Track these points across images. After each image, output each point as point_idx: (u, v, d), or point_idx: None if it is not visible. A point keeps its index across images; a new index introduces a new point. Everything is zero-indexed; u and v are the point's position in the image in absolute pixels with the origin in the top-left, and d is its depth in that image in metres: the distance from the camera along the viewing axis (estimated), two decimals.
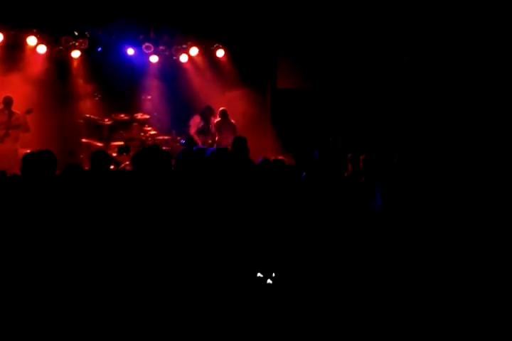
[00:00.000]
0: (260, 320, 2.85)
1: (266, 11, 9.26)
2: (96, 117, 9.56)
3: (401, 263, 3.17)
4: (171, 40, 9.84)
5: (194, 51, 9.84)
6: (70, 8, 8.96)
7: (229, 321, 2.82)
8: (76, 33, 9.41)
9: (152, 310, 2.82)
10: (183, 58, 9.93)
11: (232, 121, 8.99)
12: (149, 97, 9.90)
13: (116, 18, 9.25)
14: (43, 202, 3.44)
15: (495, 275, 3.10)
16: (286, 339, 2.83)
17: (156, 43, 9.75)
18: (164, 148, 9.32)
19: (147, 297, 2.89)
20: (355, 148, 5.89)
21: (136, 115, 9.62)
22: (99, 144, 9.30)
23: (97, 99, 9.76)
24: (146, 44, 9.64)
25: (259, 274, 3.02)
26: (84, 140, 9.37)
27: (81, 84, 9.76)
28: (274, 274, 3.03)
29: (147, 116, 9.67)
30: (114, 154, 8.89)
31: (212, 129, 8.93)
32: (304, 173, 4.22)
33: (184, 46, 9.87)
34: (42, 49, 9.28)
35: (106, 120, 9.60)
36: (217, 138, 8.90)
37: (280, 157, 6.40)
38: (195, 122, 8.98)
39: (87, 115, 9.54)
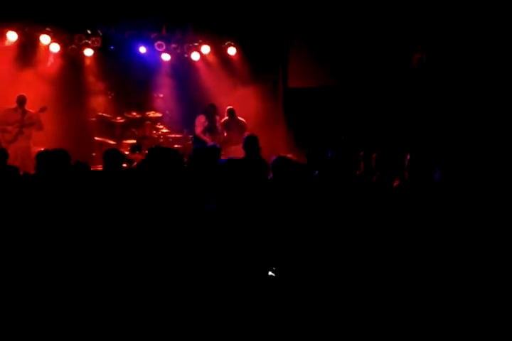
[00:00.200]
0: (267, 319, 2.85)
1: (277, 9, 9.24)
2: (108, 115, 9.62)
3: (414, 263, 3.15)
4: (183, 38, 9.85)
5: (206, 49, 9.85)
6: (83, 7, 9.00)
7: (234, 319, 2.82)
8: (89, 32, 9.46)
9: (158, 308, 2.82)
10: (195, 56, 9.95)
11: (241, 118, 8.96)
12: (161, 95, 9.93)
13: (128, 16, 9.28)
14: (56, 200, 3.46)
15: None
16: (290, 338, 2.82)
17: (168, 41, 9.77)
18: (176, 146, 9.36)
19: (160, 295, 2.90)
20: (368, 146, 5.86)
21: (148, 113, 9.66)
22: (112, 142, 9.35)
23: (109, 97, 9.82)
24: (158, 42, 9.67)
25: (272, 273, 3.02)
26: (96, 138, 9.43)
27: (94, 82, 9.82)
28: (286, 273, 3.03)
29: (159, 115, 9.70)
30: (127, 152, 8.93)
31: (219, 128, 8.93)
32: (317, 172, 4.21)
33: (196, 44, 9.89)
34: (55, 47, 9.35)
35: (118, 118, 9.66)
36: (225, 136, 8.88)
37: (289, 155, 6.39)
38: (201, 121, 8.99)
39: (100, 113, 9.61)
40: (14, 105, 8.31)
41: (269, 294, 2.93)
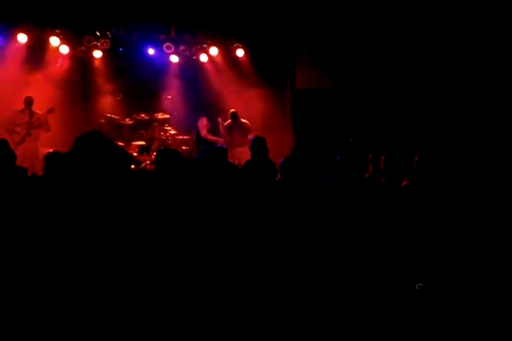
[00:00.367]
0: (268, 319, 2.84)
1: (286, 10, 9.24)
2: (117, 117, 9.66)
3: (424, 264, 3.13)
4: (192, 40, 9.88)
5: (214, 51, 9.87)
6: (92, 9, 9.05)
7: (236, 320, 2.81)
8: (98, 33, 9.51)
9: (160, 310, 2.82)
10: (203, 58, 9.97)
11: (244, 120, 8.97)
12: (169, 97, 9.95)
13: (137, 18, 9.32)
14: (64, 201, 3.47)
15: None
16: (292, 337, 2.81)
17: (176, 43, 9.80)
18: (184, 147, 9.38)
19: (166, 296, 2.90)
20: (377, 149, 5.85)
21: (156, 115, 9.68)
22: (120, 144, 9.38)
23: (118, 98, 9.85)
24: (167, 44, 9.70)
25: (278, 275, 3.01)
26: None
27: (102, 83, 9.86)
28: (294, 274, 3.02)
29: (167, 116, 9.72)
30: (135, 154, 8.96)
31: (222, 130, 8.96)
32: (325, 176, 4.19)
33: (204, 46, 9.91)
34: (64, 49, 9.40)
35: (127, 120, 9.69)
36: (229, 139, 8.89)
37: None
38: (203, 124, 9.03)
39: (108, 115, 9.64)
40: (21, 106, 8.36)
41: (275, 295, 2.92)
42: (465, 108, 8.19)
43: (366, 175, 5.10)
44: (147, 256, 3.01)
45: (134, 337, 2.77)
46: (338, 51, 9.29)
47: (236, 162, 7.51)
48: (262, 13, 9.24)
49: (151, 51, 9.73)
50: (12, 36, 9.01)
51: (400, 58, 8.84)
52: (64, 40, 9.35)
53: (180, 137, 9.63)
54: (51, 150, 5.40)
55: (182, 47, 9.86)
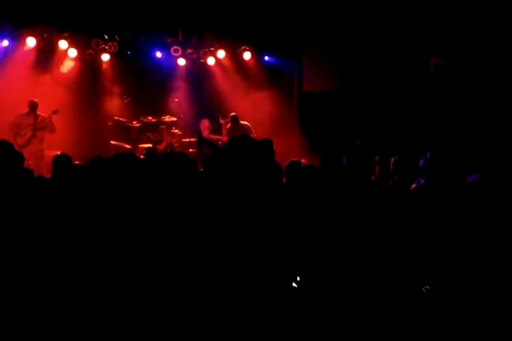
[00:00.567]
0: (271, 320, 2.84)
1: (293, 13, 9.24)
2: (124, 119, 9.70)
3: (432, 266, 3.12)
4: (199, 43, 9.91)
5: (221, 54, 9.89)
6: (100, 12, 9.11)
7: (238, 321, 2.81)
8: (106, 37, 9.56)
9: (163, 310, 2.82)
10: (211, 61, 9.99)
11: (244, 122, 8.99)
12: (177, 100, 9.98)
13: (145, 21, 9.36)
14: (71, 201, 3.49)
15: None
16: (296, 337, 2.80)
17: (184, 46, 9.83)
18: (190, 150, 9.40)
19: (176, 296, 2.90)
20: (383, 151, 5.83)
21: (163, 117, 9.71)
22: (128, 146, 9.42)
23: (125, 101, 9.90)
24: (175, 47, 9.74)
25: (287, 279, 3.01)
26: (112, 142, 9.51)
27: (110, 86, 9.91)
28: (298, 278, 3.01)
29: (174, 119, 9.75)
30: (142, 156, 8.98)
31: (224, 133, 9.00)
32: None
33: (211, 49, 9.93)
34: (73, 52, 9.47)
35: (134, 122, 9.73)
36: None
37: (303, 160, 6.37)
38: (205, 125, 9.07)
39: (116, 117, 9.69)
40: (26, 110, 8.44)
41: (278, 298, 2.92)
42: (473, 109, 8.15)
43: (373, 178, 5.08)
44: (150, 256, 3.01)
45: (134, 336, 2.77)
46: (345, 53, 9.28)
47: None
48: (269, 16, 9.25)
49: (158, 54, 9.77)
50: (21, 40, 9.09)
51: (407, 60, 8.81)
52: (72, 44, 9.42)
53: (187, 140, 9.66)
54: (58, 153, 5.44)
55: (189, 51, 9.89)
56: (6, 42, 9.07)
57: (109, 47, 9.59)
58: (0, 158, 3.34)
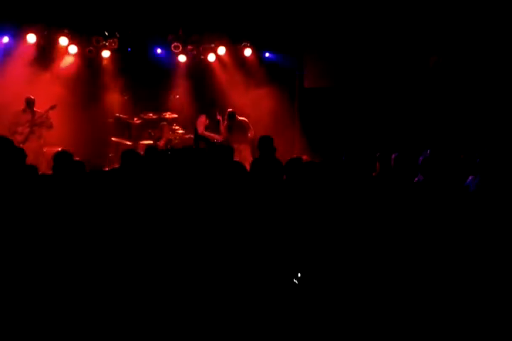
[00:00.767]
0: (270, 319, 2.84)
1: (294, 9, 9.23)
2: (125, 116, 9.70)
3: (434, 265, 3.13)
4: (199, 40, 9.90)
5: (222, 50, 9.88)
6: (100, 9, 9.09)
7: (235, 321, 2.82)
8: (106, 33, 9.55)
9: (158, 310, 2.83)
10: (211, 57, 9.98)
11: (242, 118, 8.98)
12: (177, 96, 9.98)
13: (145, 18, 9.35)
14: (73, 200, 3.50)
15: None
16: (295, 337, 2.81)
17: (184, 43, 9.82)
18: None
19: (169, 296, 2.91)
20: (384, 147, 5.83)
21: (164, 114, 9.71)
22: (128, 143, 9.43)
23: (126, 98, 9.90)
24: (175, 44, 9.73)
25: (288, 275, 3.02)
26: (113, 139, 9.52)
27: (110, 83, 9.91)
28: (300, 274, 3.03)
29: (175, 115, 9.75)
30: (142, 153, 8.98)
31: (222, 129, 9.00)
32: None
33: (212, 45, 9.92)
34: (73, 49, 9.46)
35: (135, 119, 9.74)
36: (227, 137, 8.91)
37: (304, 156, 6.38)
38: (201, 121, 9.07)
39: (117, 114, 9.69)
40: (22, 106, 8.46)
41: (278, 295, 2.93)
42: (472, 106, 8.15)
43: (374, 174, 5.09)
44: (158, 252, 3.03)
45: (134, 334, 2.78)
46: (346, 49, 9.26)
47: (237, 159, 7.53)
48: (270, 12, 9.24)
49: (159, 51, 9.77)
50: (21, 36, 9.08)
51: (408, 58, 8.81)
52: (73, 40, 9.41)
53: (188, 136, 9.65)
54: (59, 149, 5.45)
55: (190, 47, 9.88)
56: (6, 39, 9.07)
57: (110, 44, 9.58)
58: (1, 154, 3.34)
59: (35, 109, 8.54)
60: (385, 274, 3.07)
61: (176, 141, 9.41)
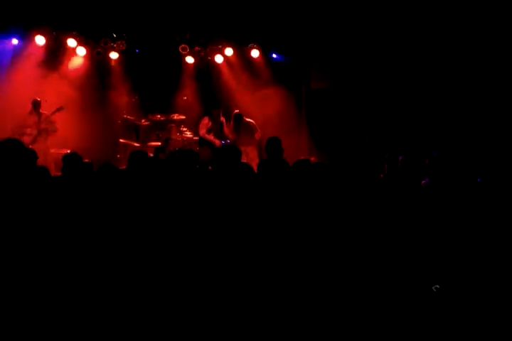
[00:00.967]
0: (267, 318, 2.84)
1: (301, 10, 9.23)
2: (133, 118, 9.75)
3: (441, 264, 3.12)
4: (207, 41, 9.92)
5: (229, 51, 9.90)
6: (108, 11, 9.14)
7: (231, 320, 2.82)
8: (114, 35, 9.60)
9: (156, 310, 2.84)
10: (219, 59, 10.00)
11: (249, 120, 8.99)
12: (185, 98, 10.00)
13: (153, 19, 9.38)
14: (82, 201, 3.52)
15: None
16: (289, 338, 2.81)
17: (191, 44, 9.85)
18: (198, 148, 9.41)
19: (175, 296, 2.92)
20: (392, 149, 5.83)
21: (172, 116, 9.74)
22: (136, 144, 9.46)
23: (133, 99, 9.94)
24: (182, 45, 9.76)
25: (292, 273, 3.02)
26: (121, 140, 9.56)
27: (118, 85, 9.95)
28: (308, 274, 3.03)
29: (183, 117, 9.78)
30: (151, 154, 9.01)
31: (226, 131, 8.99)
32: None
33: (219, 47, 9.94)
34: (81, 51, 9.51)
35: (143, 121, 9.77)
36: (233, 139, 8.91)
37: (312, 158, 6.38)
38: (204, 123, 9.07)
39: (125, 116, 9.73)
40: (29, 108, 8.53)
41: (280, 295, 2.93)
42: (482, 107, 8.12)
43: (382, 175, 5.09)
44: (167, 252, 3.04)
45: (134, 334, 2.80)
46: (353, 51, 9.25)
47: (244, 161, 7.53)
48: (277, 13, 9.24)
49: (166, 52, 9.80)
50: (30, 38, 9.15)
51: (416, 57, 8.78)
52: (81, 42, 9.46)
53: (196, 138, 9.67)
54: (68, 151, 5.48)
55: (197, 48, 9.91)
56: (15, 41, 9.14)
57: (118, 46, 9.63)
58: (13, 155, 3.37)
59: (41, 111, 8.60)
60: (394, 273, 3.07)
61: (185, 143, 9.42)
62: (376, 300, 2.93)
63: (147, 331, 2.81)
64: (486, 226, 3.31)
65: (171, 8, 9.21)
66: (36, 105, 8.56)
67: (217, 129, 9.02)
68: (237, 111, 9.05)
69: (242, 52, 10.00)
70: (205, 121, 9.09)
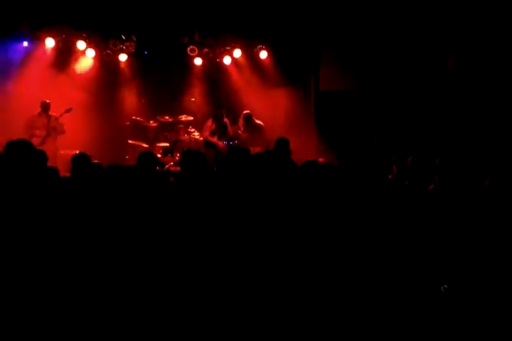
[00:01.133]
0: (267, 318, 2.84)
1: (310, 12, 9.23)
2: (142, 119, 9.80)
3: (449, 265, 3.11)
4: (215, 43, 9.94)
5: (237, 53, 9.91)
6: (117, 13, 9.19)
7: (232, 320, 2.82)
8: (123, 37, 9.65)
9: (159, 310, 2.84)
10: (227, 60, 10.02)
11: (258, 121, 9.01)
12: (193, 99, 10.04)
13: (162, 21, 9.42)
14: (92, 201, 3.54)
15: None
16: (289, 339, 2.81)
17: (200, 46, 9.88)
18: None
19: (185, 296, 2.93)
20: (400, 150, 5.81)
21: (180, 117, 9.77)
22: (145, 145, 9.50)
23: (142, 101, 9.99)
24: (191, 47, 9.78)
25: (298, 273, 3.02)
26: (130, 141, 9.60)
27: (127, 86, 10.01)
28: (317, 275, 3.03)
29: (191, 118, 9.81)
30: (159, 155, 9.06)
31: (230, 131, 9.00)
32: None
33: (228, 48, 9.96)
34: (91, 53, 9.58)
35: (151, 122, 9.82)
36: (246, 138, 8.92)
37: (321, 159, 6.36)
38: (207, 125, 9.10)
39: (133, 117, 9.79)
40: (38, 110, 8.61)
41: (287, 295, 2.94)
42: (490, 110, 8.08)
43: (390, 177, 5.07)
44: (173, 253, 3.05)
45: (134, 334, 2.81)
46: (362, 52, 9.24)
47: None
48: (286, 14, 9.24)
49: (174, 54, 9.83)
50: (39, 40, 9.22)
51: (424, 59, 8.76)
52: (90, 44, 9.52)
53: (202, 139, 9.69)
54: (77, 152, 5.50)
55: (206, 50, 9.93)
56: (25, 44, 9.23)
57: (127, 48, 9.68)
58: (23, 156, 3.40)
59: (50, 113, 8.67)
60: (399, 274, 3.07)
61: (193, 144, 9.45)
62: (384, 301, 2.92)
63: (147, 331, 2.81)
64: (495, 228, 3.29)
65: (180, 10, 9.24)
66: (45, 107, 8.65)
67: (220, 130, 9.03)
68: (247, 111, 9.06)
69: (250, 54, 10.01)
70: (209, 123, 9.14)
